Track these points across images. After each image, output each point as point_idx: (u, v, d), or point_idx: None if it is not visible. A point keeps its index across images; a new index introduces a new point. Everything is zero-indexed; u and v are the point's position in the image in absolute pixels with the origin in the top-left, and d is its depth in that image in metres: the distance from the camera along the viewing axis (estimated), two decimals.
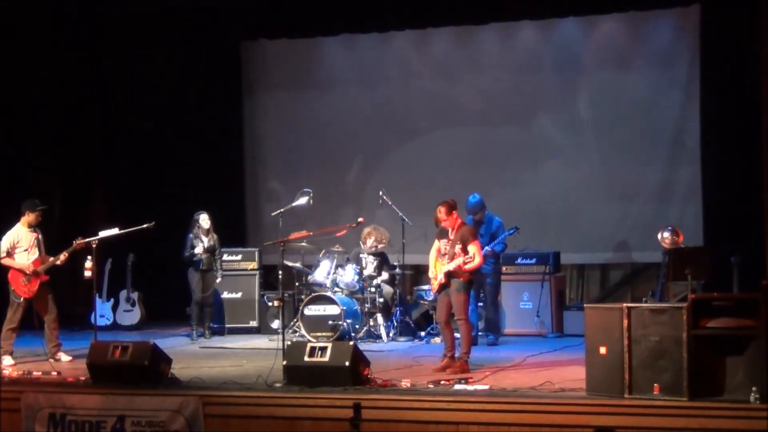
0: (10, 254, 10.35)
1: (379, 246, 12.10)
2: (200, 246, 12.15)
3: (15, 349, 10.35)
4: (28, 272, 10.29)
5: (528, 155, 13.62)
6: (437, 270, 9.33)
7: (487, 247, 11.07)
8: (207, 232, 12.28)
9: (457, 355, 9.20)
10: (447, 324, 9.29)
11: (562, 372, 8.83)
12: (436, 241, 9.47)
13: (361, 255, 12.16)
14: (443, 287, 9.24)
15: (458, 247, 9.10)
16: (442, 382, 8.36)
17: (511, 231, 11.29)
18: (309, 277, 12.06)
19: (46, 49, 14.02)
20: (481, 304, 11.42)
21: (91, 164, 14.88)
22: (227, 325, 12.82)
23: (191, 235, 12.26)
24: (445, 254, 9.24)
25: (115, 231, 10.55)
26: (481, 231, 11.20)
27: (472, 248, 9.08)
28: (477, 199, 11.21)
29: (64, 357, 10.38)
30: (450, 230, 9.25)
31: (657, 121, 13.09)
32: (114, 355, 8.67)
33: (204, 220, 12.28)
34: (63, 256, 10.42)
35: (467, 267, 9.05)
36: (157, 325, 13.62)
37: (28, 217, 10.48)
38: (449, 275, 9.15)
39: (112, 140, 14.94)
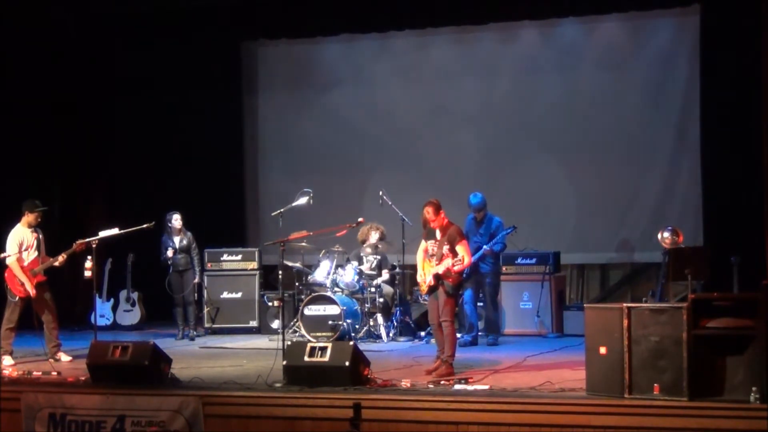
0: (19, 254, 10.35)
1: (379, 246, 12.10)
2: (170, 249, 12.20)
3: (15, 349, 10.36)
4: (30, 290, 10.26)
5: (528, 155, 13.62)
6: (425, 272, 9.17)
7: (485, 247, 11.09)
8: (179, 232, 12.31)
9: (443, 358, 9.05)
10: (440, 326, 9.19)
11: (562, 372, 8.82)
12: (423, 241, 9.30)
13: (361, 254, 12.17)
14: (432, 289, 9.10)
15: (446, 248, 8.94)
16: (442, 382, 8.36)
17: (509, 230, 11.29)
18: (309, 277, 12.07)
19: (45, 49, 14.01)
20: (480, 304, 11.44)
21: (91, 164, 14.88)
22: (227, 325, 12.84)
23: (164, 237, 12.30)
24: (433, 255, 9.08)
25: (115, 231, 10.56)
26: (481, 230, 11.22)
27: (461, 249, 8.95)
28: (480, 197, 11.23)
29: (64, 357, 10.38)
30: (437, 230, 9.13)
31: (657, 121, 13.10)
32: (114, 355, 8.67)
33: (176, 220, 12.33)
34: (62, 258, 10.42)
35: (456, 269, 8.92)
36: (157, 325, 13.62)
37: (28, 218, 10.48)
38: (438, 277, 9.02)
39: (112, 140, 14.96)
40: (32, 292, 10.27)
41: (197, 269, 12.48)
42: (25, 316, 10.41)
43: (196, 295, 12.63)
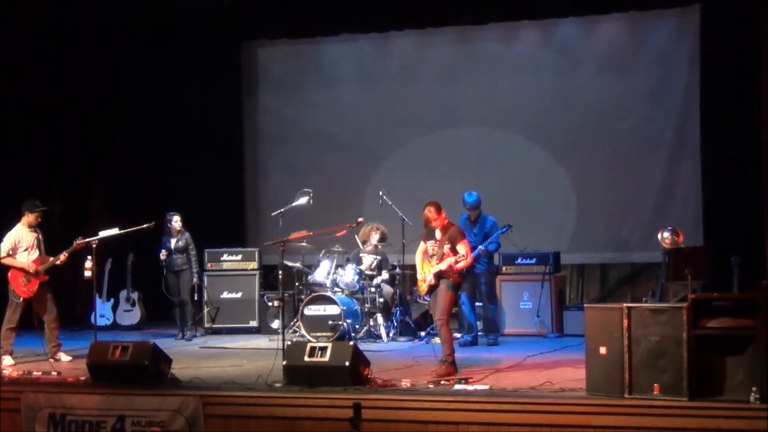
0: (11, 255, 10.35)
1: (380, 246, 12.10)
2: (164, 251, 12.22)
3: (15, 349, 10.35)
4: (30, 271, 10.28)
5: (527, 155, 13.62)
6: (425, 272, 9.21)
7: (480, 246, 11.09)
8: (177, 233, 12.33)
9: (441, 358, 9.04)
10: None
11: (562, 372, 8.83)
12: (422, 242, 9.34)
13: (361, 254, 12.17)
14: (432, 288, 9.12)
15: (447, 247, 8.96)
16: (442, 382, 8.36)
17: (504, 229, 11.30)
18: (309, 277, 12.06)
19: (45, 49, 14.02)
20: (479, 304, 11.43)
21: (91, 164, 14.89)
22: (227, 325, 12.84)
23: (163, 237, 12.32)
24: (433, 255, 9.11)
25: (115, 231, 10.56)
26: (475, 230, 11.22)
27: (462, 247, 8.97)
28: (475, 196, 11.24)
29: (64, 357, 10.38)
30: (437, 230, 9.16)
31: (657, 121, 13.10)
32: (114, 355, 8.67)
33: (176, 221, 12.34)
34: (63, 256, 10.42)
35: (458, 266, 8.95)
36: (157, 325, 13.62)
37: (28, 218, 10.48)
38: (439, 275, 9.04)
39: (112, 140, 14.95)
40: (32, 267, 10.22)
41: (194, 270, 12.46)
42: (26, 316, 10.42)
43: (195, 295, 12.63)
